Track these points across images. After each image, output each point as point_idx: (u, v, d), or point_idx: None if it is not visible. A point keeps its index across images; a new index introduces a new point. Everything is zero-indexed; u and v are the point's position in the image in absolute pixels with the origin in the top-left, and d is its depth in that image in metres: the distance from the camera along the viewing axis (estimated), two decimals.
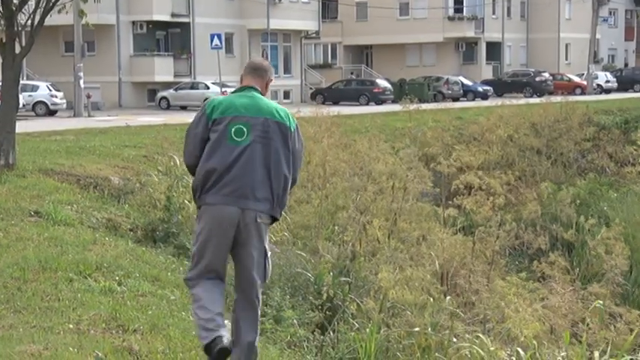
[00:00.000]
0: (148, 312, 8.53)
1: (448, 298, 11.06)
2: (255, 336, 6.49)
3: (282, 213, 6.54)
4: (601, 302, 11.55)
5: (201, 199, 6.37)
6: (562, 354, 9.78)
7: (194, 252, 6.49)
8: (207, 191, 6.32)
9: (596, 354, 9.42)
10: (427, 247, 13.11)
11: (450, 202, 15.51)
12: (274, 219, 6.43)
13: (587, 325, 11.01)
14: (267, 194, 6.30)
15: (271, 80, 6.62)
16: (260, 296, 6.53)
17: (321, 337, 10.26)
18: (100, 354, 7.02)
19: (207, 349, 6.28)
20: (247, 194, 6.26)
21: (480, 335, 10.04)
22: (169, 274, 10.71)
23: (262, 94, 6.49)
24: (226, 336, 6.29)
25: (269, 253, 6.50)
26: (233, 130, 6.28)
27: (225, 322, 7.97)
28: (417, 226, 14.13)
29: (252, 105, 6.36)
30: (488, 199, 14.19)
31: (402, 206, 14.48)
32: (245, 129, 6.28)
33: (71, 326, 7.89)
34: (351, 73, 62.58)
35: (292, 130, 6.43)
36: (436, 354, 10.15)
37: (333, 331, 10.55)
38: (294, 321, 9.96)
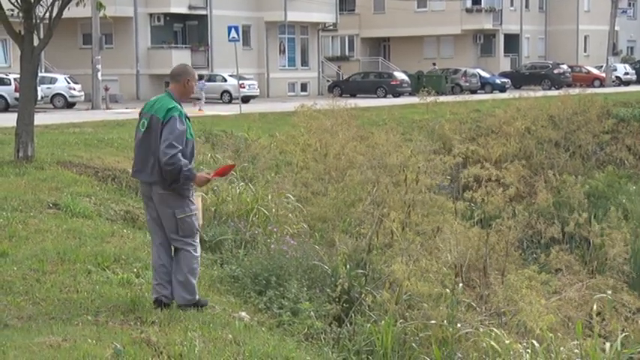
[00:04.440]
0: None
1: (460, 285, 11.02)
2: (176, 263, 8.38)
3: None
4: (609, 293, 11.52)
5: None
6: (576, 346, 9.76)
7: None
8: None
9: (608, 345, 9.40)
10: (441, 240, 13.10)
11: (466, 195, 15.49)
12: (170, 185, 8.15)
13: (601, 314, 10.99)
14: (154, 169, 8.11)
15: (188, 80, 8.39)
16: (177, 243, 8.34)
17: (338, 329, 10.27)
18: (118, 345, 7.07)
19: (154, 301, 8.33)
20: (142, 170, 8.27)
21: (494, 330, 10.02)
22: None
23: (176, 95, 8.34)
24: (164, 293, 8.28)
25: (177, 216, 8.20)
26: (140, 123, 8.32)
27: (242, 314, 8.31)
28: (431, 218, 14.11)
29: (152, 104, 8.34)
30: (499, 190, 14.18)
31: (414, 198, 14.46)
32: (146, 121, 8.24)
33: (90, 318, 7.95)
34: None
35: (163, 121, 8.08)
36: (452, 346, 10.15)
37: (350, 324, 10.56)
38: (312, 313, 9.97)
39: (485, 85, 57.85)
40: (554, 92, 41.86)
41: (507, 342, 9.48)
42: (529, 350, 9.39)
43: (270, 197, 14.07)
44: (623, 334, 10.31)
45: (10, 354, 6.80)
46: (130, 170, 8.73)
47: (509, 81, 59.36)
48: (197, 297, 8.47)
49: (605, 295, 11.58)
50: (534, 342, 9.45)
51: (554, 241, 17.00)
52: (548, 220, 17.38)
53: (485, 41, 69.53)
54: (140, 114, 8.41)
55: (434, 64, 61.15)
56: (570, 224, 16.69)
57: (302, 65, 57.94)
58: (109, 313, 8.13)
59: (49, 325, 7.63)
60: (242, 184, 14.91)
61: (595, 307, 10.72)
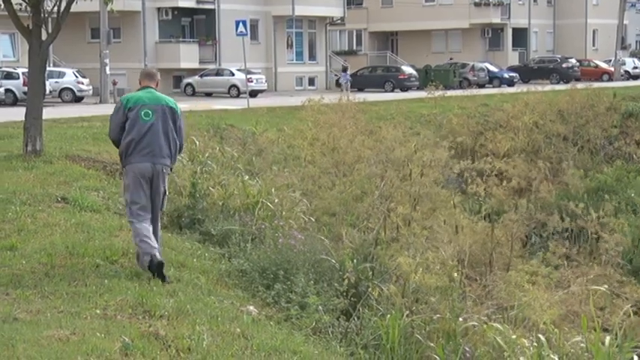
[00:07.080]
0: (174, 297, 8.61)
1: (455, 275, 10.98)
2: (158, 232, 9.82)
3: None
4: (606, 287, 11.51)
5: (126, 161, 9.54)
6: (581, 341, 9.76)
7: (128, 199, 9.61)
8: (129, 155, 9.48)
9: (608, 338, 9.40)
10: (447, 234, 13.10)
11: (470, 189, 15.49)
12: (171, 169, 9.87)
13: (607, 309, 10.98)
14: (167, 153, 9.57)
15: (159, 80, 9.97)
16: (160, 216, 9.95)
17: (346, 323, 10.27)
18: (126, 339, 7.10)
19: (150, 266, 9.27)
20: (156, 154, 9.47)
21: (497, 325, 10.00)
22: (195, 260, 10.78)
23: (156, 90, 9.77)
24: (158, 254, 9.36)
25: (167, 193, 9.87)
26: (142, 113, 9.45)
27: (250, 308, 8.40)
28: (438, 212, 14.12)
29: (153, 97, 9.62)
30: (502, 184, 14.19)
31: (419, 191, 14.45)
32: (150, 112, 9.46)
33: (98, 311, 7.98)
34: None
35: (178, 113, 9.72)
36: (458, 340, 10.15)
37: (358, 317, 10.56)
38: (319, 307, 9.98)
39: (493, 79, 57.78)
40: (562, 86, 41.77)
41: (513, 337, 9.47)
42: (535, 344, 9.39)
43: (273, 191, 14.04)
44: (625, 327, 10.31)
45: (19, 347, 6.84)
46: (121, 156, 9.61)
47: (518, 75, 59.31)
48: None
49: (601, 288, 11.57)
50: (540, 336, 9.45)
51: (561, 235, 16.98)
52: (554, 214, 17.35)
53: (493, 35, 69.38)
54: (136, 106, 9.47)
55: (451, 59, 60.84)
56: (573, 213, 16.67)
57: (310, 59, 57.89)
58: (118, 307, 8.16)
59: (57, 319, 7.66)
60: (247, 177, 14.92)
61: (592, 300, 10.71)
